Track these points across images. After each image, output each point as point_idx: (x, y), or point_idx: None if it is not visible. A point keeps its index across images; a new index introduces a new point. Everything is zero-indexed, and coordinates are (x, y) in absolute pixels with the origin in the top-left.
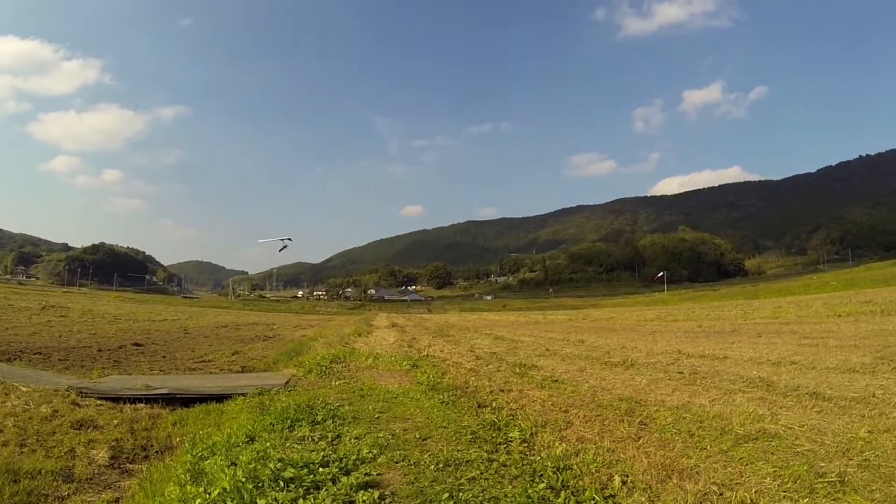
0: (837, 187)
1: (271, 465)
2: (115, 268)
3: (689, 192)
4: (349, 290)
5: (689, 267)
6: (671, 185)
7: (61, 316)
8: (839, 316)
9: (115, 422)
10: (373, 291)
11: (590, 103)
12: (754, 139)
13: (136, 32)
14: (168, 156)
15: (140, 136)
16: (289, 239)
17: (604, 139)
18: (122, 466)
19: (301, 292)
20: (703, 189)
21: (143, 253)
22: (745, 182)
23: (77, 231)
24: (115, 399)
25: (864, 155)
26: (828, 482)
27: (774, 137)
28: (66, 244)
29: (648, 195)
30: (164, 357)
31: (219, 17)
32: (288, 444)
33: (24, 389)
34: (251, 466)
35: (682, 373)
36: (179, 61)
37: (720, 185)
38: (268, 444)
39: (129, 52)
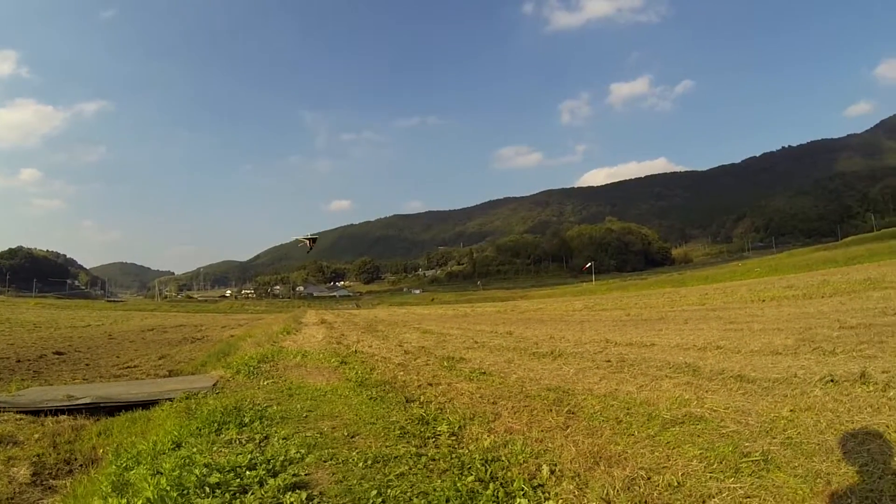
0: (761, 178)
1: (197, 472)
2: (35, 273)
3: (615, 183)
4: (277, 287)
5: (617, 257)
6: (598, 177)
7: None
8: (763, 301)
9: (36, 436)
10: (301, 288)
11: (517, 96)
12: (680, 131)
13: (55, 23)
14: (90, 153)
15: (59, 132)
16: (314, 238)
17: (531, 131)
18: (44, 483)
19: (229, 291)
20: (630, 180)
21: (65, 256)
22: (671, 173)
23: None
24: (36, 412)
25: (786, 146)
26: (752, 461)
27: (700, 130)
28: None
29: (575, 186)
30: (87, 365)
31: (143, 10)
32: (215, 449)
33: None
34: (175, 474)
35: (609, 361)
36: (102, 55)
37: (646, 176)
38: (194, 450)
39: (48, 45)
